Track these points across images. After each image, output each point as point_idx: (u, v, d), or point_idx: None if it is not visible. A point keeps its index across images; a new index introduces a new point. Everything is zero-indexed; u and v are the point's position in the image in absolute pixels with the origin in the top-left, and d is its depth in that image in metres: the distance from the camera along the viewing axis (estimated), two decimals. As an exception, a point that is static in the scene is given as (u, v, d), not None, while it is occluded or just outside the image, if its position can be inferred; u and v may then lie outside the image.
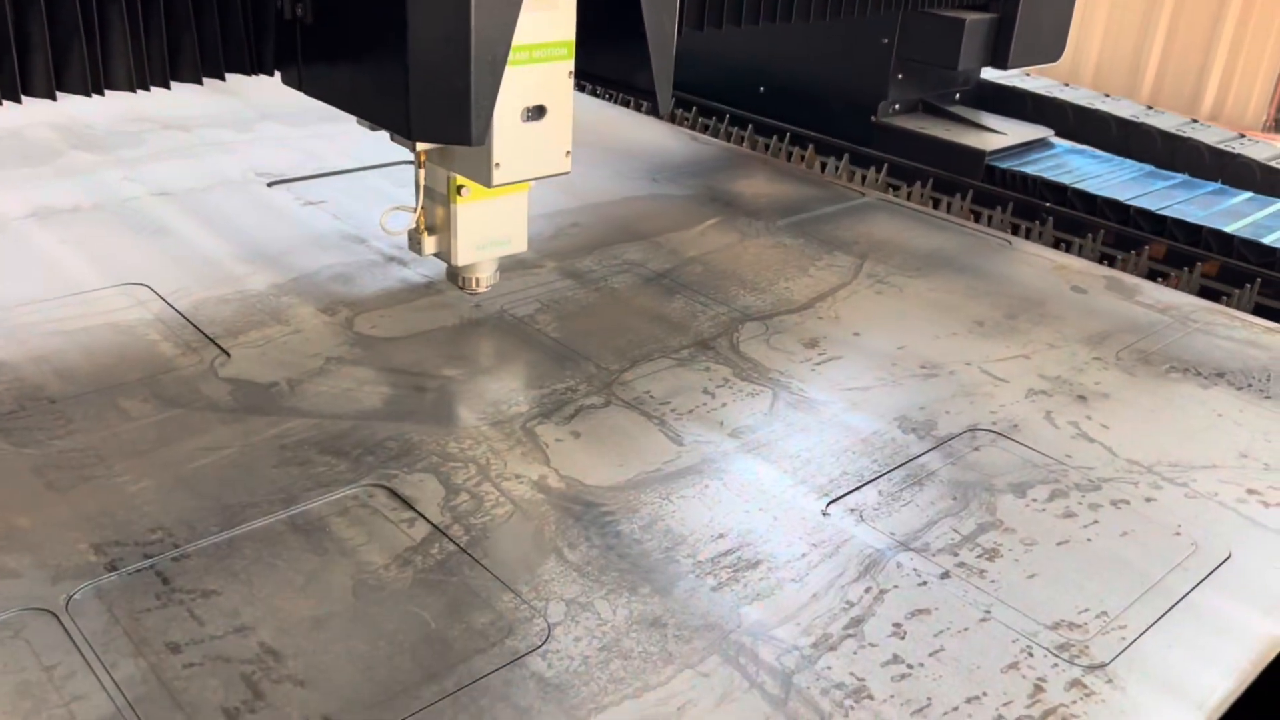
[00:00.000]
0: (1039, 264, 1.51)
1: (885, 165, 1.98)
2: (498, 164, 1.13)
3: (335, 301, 1.26)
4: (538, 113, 1.15)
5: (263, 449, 0.97)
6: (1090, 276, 1.48)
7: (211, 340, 1.15)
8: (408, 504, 0.91)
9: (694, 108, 2.28)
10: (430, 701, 0.71)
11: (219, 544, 0.84)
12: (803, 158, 2.05)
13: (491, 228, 1.25)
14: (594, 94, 2.28)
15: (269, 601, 0.79)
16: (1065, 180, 1.81)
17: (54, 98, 1.08)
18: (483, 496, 0.92)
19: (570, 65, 1.17)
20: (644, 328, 1.25)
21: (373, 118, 1.15)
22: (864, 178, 1.97)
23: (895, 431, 1.07)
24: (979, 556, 0.90)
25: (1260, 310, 1.53)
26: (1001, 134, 1.99)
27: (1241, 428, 1.13)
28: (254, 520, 0.87)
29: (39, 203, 1.46)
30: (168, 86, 1.15)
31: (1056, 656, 0.80)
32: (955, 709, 0.74)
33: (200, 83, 1.18)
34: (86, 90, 1.09)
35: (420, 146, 1.17)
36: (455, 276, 1.28)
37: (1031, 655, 0.80)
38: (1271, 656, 0.82)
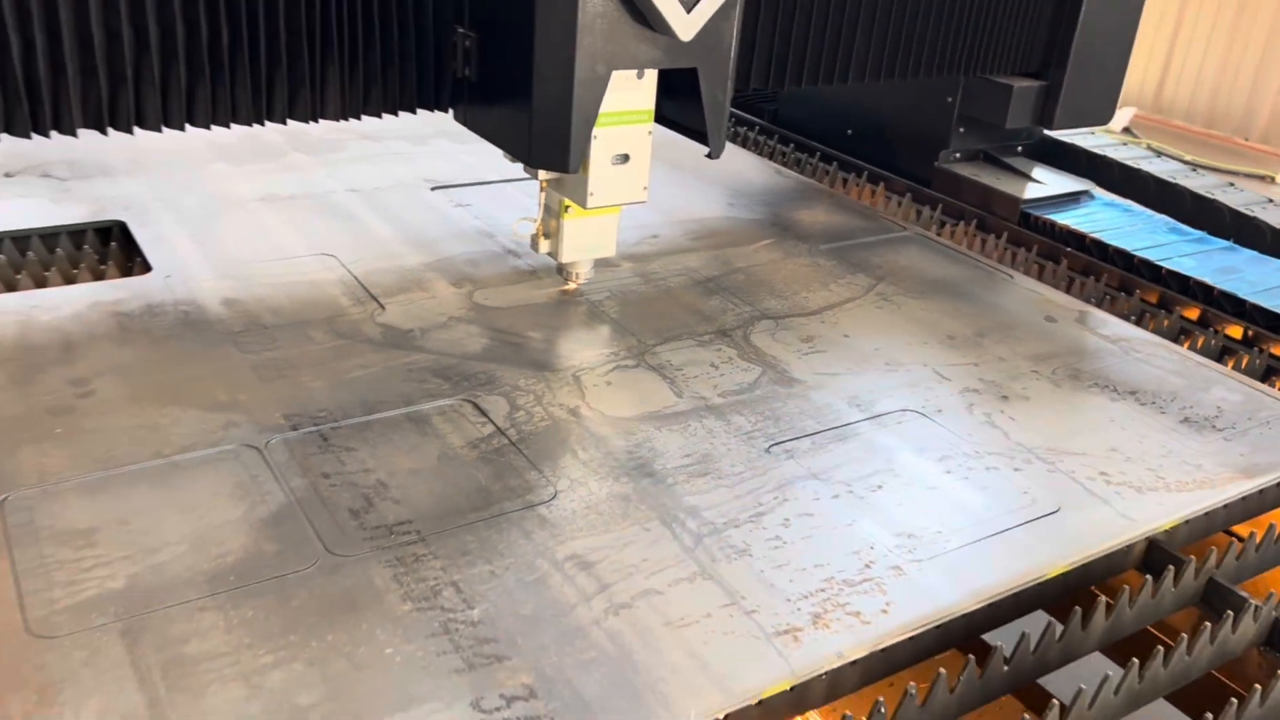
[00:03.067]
0: (1028, 296, 1.85)
1: (940, 205, 2.33)
2: (591, 193, 1.58)
3: (463, 278, 1.72)
4: (623, 159, 1.59)
5: (396, 370, 1.43)
6: (1067, 310, 1.81)
7: (373, 297, 1.63)
8: (483, 413, 1.35)
9: (791, 143, 2.67)
10: (472, 521, 1.15)
11: (359, 423, 1.31)
12: (872, 193, 2.41)
13: (589, 237, 1.69)
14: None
15: (385, 458, 1.25)
16: (1084, 228, 2.12)
17: (284, 123, 1.58)
18: (534, 414, 1.36)
19: (650, 126, 1.61)
20: (682, 316, 1.66)
21: (508, 149, 1.61)
22: (919, 214, 2.32)
23: (844, 405, 1.45)
24: (866, 488, 1.27)
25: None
26: (1043, 184, 2.31)
27: (1125, 431, 1.45)
28: (384, 411, 1.33)
29: (266, 190, 2.00)
30: (366, 115, 1.64)
31: (890, 551, 1.17)
32: (803, 569, 1.13)
33: (396, 114, 1.66)
34: (309, 117, 1.59)
35: (541, 175, 1.63)
36: (561, 270, 1.73)
37: (873, 549, 1.17)
38: (1050, 573, 1.17)
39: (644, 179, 1.63)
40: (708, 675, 0.98)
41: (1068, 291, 1.98)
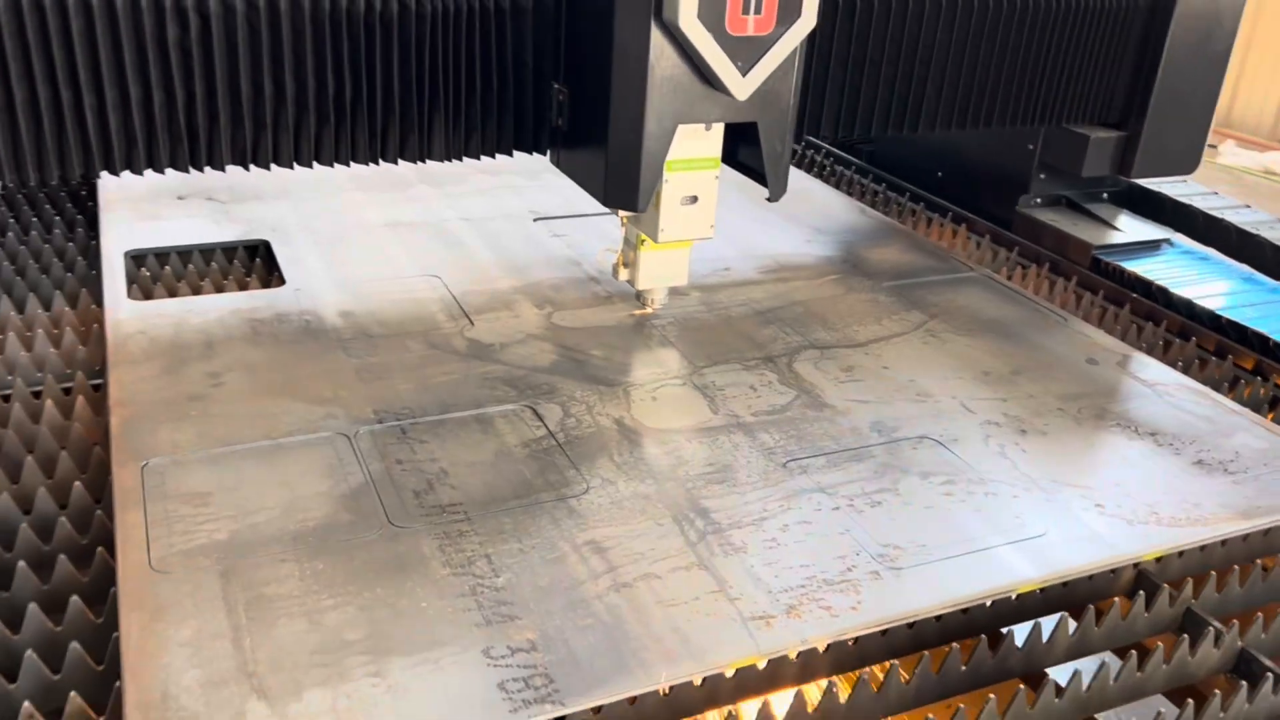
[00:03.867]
0: (1076, 339, 1.94)
1: (1016, 248, 2.43)
2: (663, 229, 1.78)
3: (545, 301, 1.95)
4: (692, 200, 1.78)
5: (473, 378, 1.66)
6: (1112, 353, 1.90)
7: (465, 314, 1.87)
8: (540, 418, 1.56)
9: (883, 183, 2.80)
10: (512, 507, 1.36)
11: (434, 421, 1.54)
12: (954, 233, 2.52)
13: (663, 267, 1.89)
14: (800, 165, 2.86)
15: (450, 451, 1.47)
16: (1152, 275, 2.19)
17: (396, 163, 1.84)
18: (583, 421, 1.56)
19: (716, 171, 1.80)
20: (735, 343, 1.84)
21: (589, 190, 1.83)
22: (995, 255, 2.42)
23: (866, 429, 1.60)
24: (867, 504, 1.42)
25: None
26: (1121, 231, 2.38)
27: (1134, 468, 1.55)
28: (456, 412, 1.56)
29: (390, 217, 2.28)
30: (467, 157, 1.88)
31: (873, 559, 1.32)
32: (789, 568, 1.29)
33: (494, 156, 1.91)
34: (418, 159, 1.84)
35: (621, 212, 1.84)
36: (639, 296, 1.94)
37: (858, 555, 1.32)
38: (1019, 588, 1.30)
39: (710, 218, 1.82)
40: (686, 647, 1.16)
41: (1124, 338, 2.06)
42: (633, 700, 1.13)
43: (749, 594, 1.24)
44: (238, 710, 1.04)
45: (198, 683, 1.06)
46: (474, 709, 1.06)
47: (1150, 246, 2.36)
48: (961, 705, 1.14)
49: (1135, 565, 1.41)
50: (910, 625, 1.27)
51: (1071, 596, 1.37)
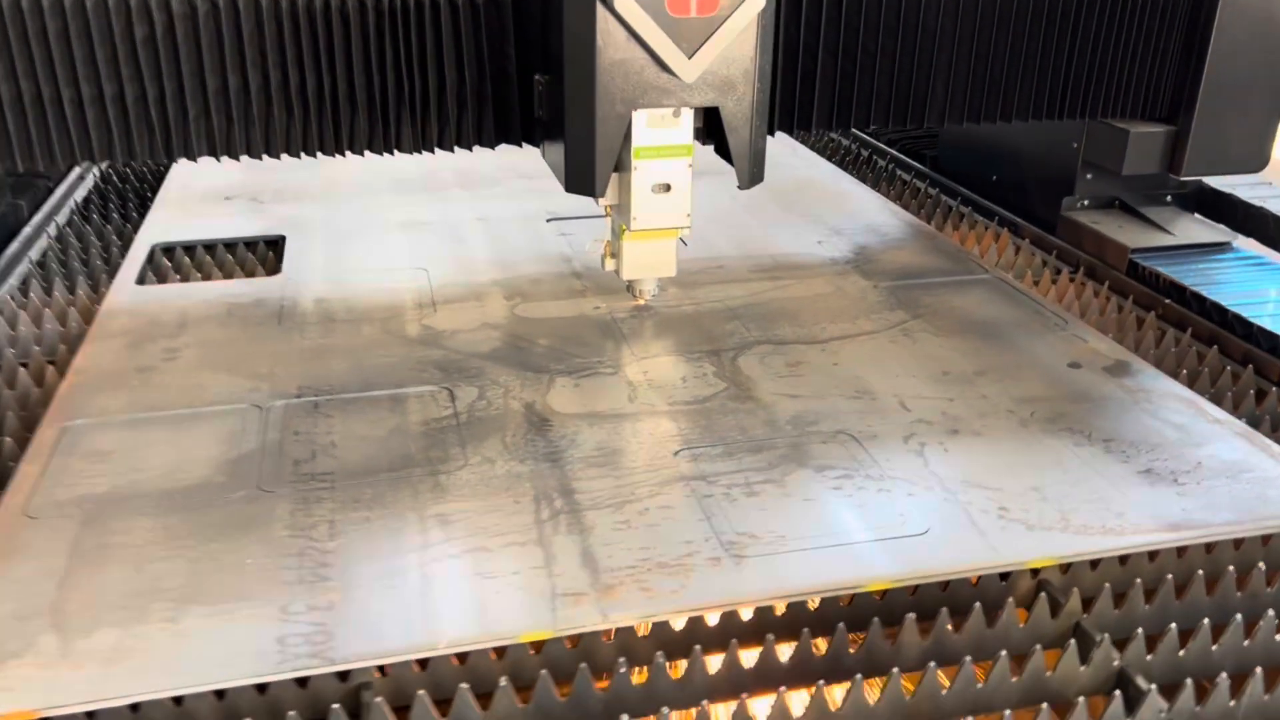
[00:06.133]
0: (1070, 342, 1.79)
1: (1055, 251, 2.27)
2: (635, 217, 1.77)
3: (518, 293, 1.97)
4: (664, 188, 1.77)
5: (409, 361, 1.70)
6: (1104, 358, 1.74)
7: (434, 304, 1.92)
8: (452, 399, 1.58)
9: (938, 188, 2.68)
10: (380, 479, 1.38)
11: (350, 398, 1.59)
12: (996, 237, 2.38)
13: (648, 257, 1.88)
14: (853, 168, 2.78)
15: (350, 425, 1.51)
16: (1188, 280, 1.99)
17: (391, 152, 1.91)
18: (493, 403, 1.57)
19: (689, 159, 1.77)
20: (687, 337, 1.80)
21: (559, 178, 1.83)
22: (1032, 259, 2.27)
23: (782, 422, 1.53)
24: (742, 493, 1.36)
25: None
26: (1171, 234, 2.18)
27: (1064, 474, 1.42)
28: (375, 391, 1.61)
29: (411, 217, 2.36)
30: (441, 150, 1.94)
31: (720, 546, 1.26)
32: (628, 549, 1.25)
33: (470, 149, 1.95)
34: (419, 149, 1.90)
35: (604, 201, 1.84)
36: (628, 287, 1.94)
37: (706, 542, 1.27)
38: (868, 586, 1.21)
39: (686, 206, 1.78)
40: (483, 618, 1.15)
41: (1159, 344, 1.88)
42: (423, 664, 1.13)
43: (571, 571, 1.22)
44: (30, 641, 1.10)
45: (10, 615, 1.14)
46: (246, 658, 1.09)
47: (1203, 251, 2.15)
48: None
49: (1034, 573, 1.29)
50: (752, 613, 1.21)
51: (954, 599, 1.27)
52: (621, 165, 1.76)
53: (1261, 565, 1.29)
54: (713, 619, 1.21)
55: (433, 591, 1.18)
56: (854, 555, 1.25)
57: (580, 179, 1.74)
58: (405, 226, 2.31)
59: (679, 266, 1.99)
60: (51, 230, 2.33)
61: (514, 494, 1.36)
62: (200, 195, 2.50)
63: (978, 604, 1.21)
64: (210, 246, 2.21)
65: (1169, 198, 2.33)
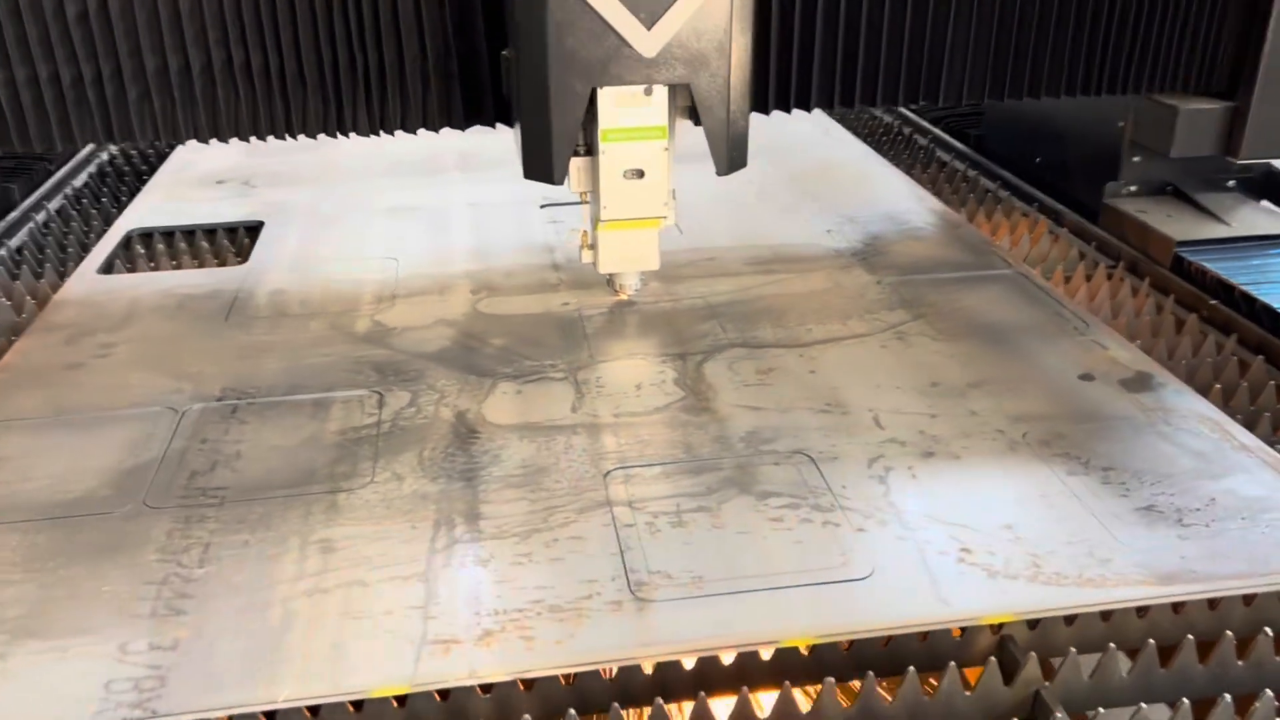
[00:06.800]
0: (1089, 349, 1.58)
1: (1096, 243, 2.03)
2: (605, 206, 1.63)
3: (486, 286, 1.83)
4: (638, 174, 1.61)
5: (347, 361, 1.58)
6: (1123, 369, 1.52)
7: (394, 297, 1.79)
8: (380, 405, 1.46)
9: (978, 170, 2.45)
10: (274, 496, 1.26)
11: (272, 402, 1.47)
12: (1031, 227, 2.15)
13: (627, 249, 1.72)
14: (887, 149, 2.56)
15: (263, 433, 1.39)
16: (1237, 279, 1.75)
17: (346, 135, 1.78)
18: (423, 410, 1.44)
19: (665, 143, 1.61)
20: (657, 338, 1.64)
21: (521, 162, 1.69)
22: (1080, 253, 2.04)
23: (735, 439, 1.37)
24: (669, 523, 1.20)
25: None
26: (1228, 225, 1.93)
27: (1050, 509, 1.22)
28: (301, 394, 1.49)
29: (399, 202, 2.24)
30: (404, 131, 1.81)
31: (628, 587, 1.10)
32: (522, 589, 1.10)
33: (437, 130, 1.81)
34: (375, 131, 1.77)
35: (577, 188, 1.69)
36: (609, 281, 1.79)
37: (613, 581, 1.11)
38: (786, 642, 1.04)
39: (663, 195, 1.63)
40: (337, 666, 1.01)
41: (1196, 352, 1.65)
42: (270, 715, 1.01)
43: (450, 613, 1.07)
44: None
45: None
46: (63, 704, 0.97)
47: (1261, 244, 1.90)
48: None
49: (995, 628, 1.11)
50: (655, 667, 1.05)
51: (897, 657, 1.09)
52: (592, 149, 1.61)
53: (1268, 630, 1.08)
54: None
55: (291, 633, 1.06)
56: (776, 603, 1.08)
57: (538, 164, 1.59)
58: (390, 212, 2.19)
59: (667, 258, 1.84)
60: (41, 216, 2.27)
61: (413, 518, 1.22)
62: (194, 179, 2.42)
63: (912, 668, 1.03)
64: (189, 232, 2.13)
65: (1231, 183, 2.08)
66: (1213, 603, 1.13)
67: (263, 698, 0.98)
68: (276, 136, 1.73)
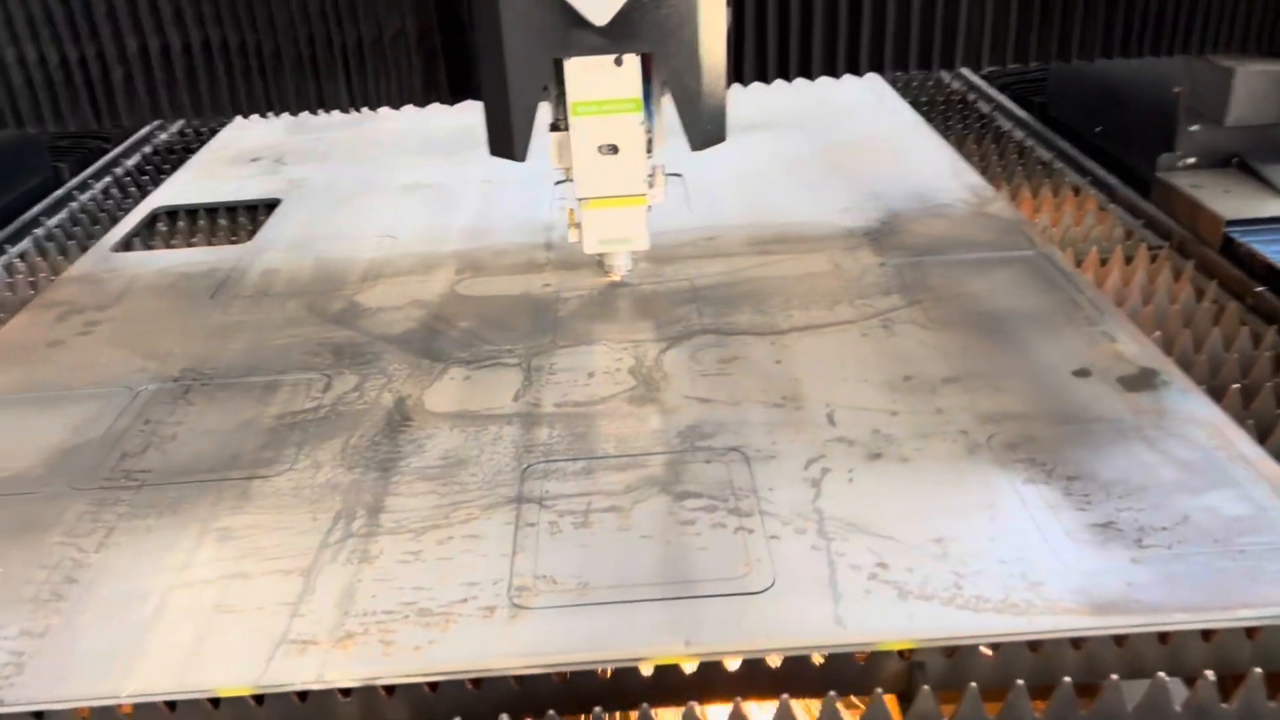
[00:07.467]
0: (1096, 342, 1.42)
1: (1145, 220, 1.85)
2: (578, 183, 1.56)
3: (469, 266, 1.79)
4: (612, 149, 1.54)
5: (310, 342, 1.56)
6: (1128, 364, 1.37)
7: (378, 276, 1.76)
8: (326, 388, 1.43)
9: (1036, 139, 2.27)
10: (193, 481, 1.25)
11: (225, 384, 1.46)
12: (1077, 203, 1.97)
13: (613, 228, 1.65)
14: (941, 112, 2.40)
15: (205, 415, 1.39)
16: (1289, 262, 1.55)
17: (329, 111, 1.76)
18: (366, 395, 1.41)
19: (639, 116, 1.53)
20: (626, 323, 1.56)
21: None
22: (1126, 231, 1.86)
23: (672, 435, 1.28)
24: (572, 523, 1.14)
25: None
26: (1289, 202, 1.72)
27: (991, 523, 1.10)
28: (254, 376, 1.47)
29: (415, 179, 2.22)
30: (385, 107, 1.77)
31: (508, 592, 1.04)
32: (399, 589, 1.05)
33: (445, 103, 1.76)
34: (355, 107, 1.74)
35: (560, 165, 1.63)
36: (600, 261, 1.72)
37: (495, 585, 1.05)
38: (660, 659, 0.96)
39: (641, 171, 1.55)
40: (191, 661, 0.99)
41: (1230, 346, 1.48)
42: (131, 710, 0.99)
43: (320, 612, 1.04)
44: None
45: None
46: (-78, 689, 0.98)
47: (1330, 222, 1.69)
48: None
49: (903, 654, 1.00)
50: (519, 680, 0.99)
51: (798, 680, 1.00)
52: (564, 124, 1.54)
53: (1210, 674, 0.93)
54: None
55: (159, 625, 1.04)
56: (659, 614, 1.01)
57: (501, 139, 1.53)
58: (405, 190, 2.17)
59: (667, 237, 1.76)
60: (86, 196, 2.34)
61: (317, 509, 1.19)
62: (232, 156, 2.46)
63: (785, 695, 0.94)
64: (211, 210, 2.15)
65: (1308, 153, 1.85)
66: (1163, 637, 1.00)
67: (106, 692, 0.96)
68: (259, 114, 1.72)
